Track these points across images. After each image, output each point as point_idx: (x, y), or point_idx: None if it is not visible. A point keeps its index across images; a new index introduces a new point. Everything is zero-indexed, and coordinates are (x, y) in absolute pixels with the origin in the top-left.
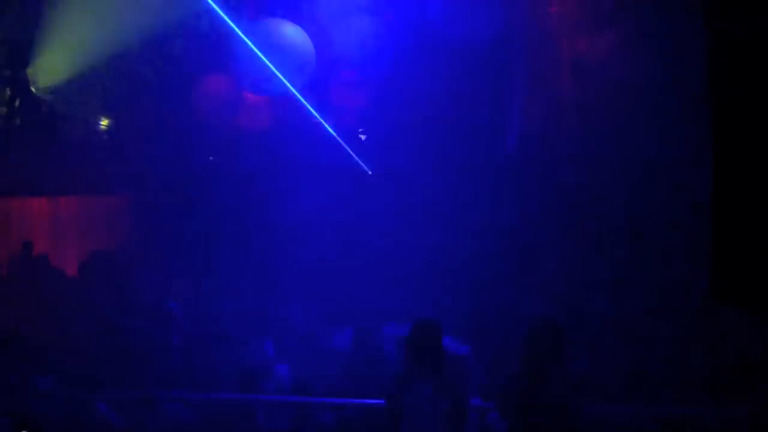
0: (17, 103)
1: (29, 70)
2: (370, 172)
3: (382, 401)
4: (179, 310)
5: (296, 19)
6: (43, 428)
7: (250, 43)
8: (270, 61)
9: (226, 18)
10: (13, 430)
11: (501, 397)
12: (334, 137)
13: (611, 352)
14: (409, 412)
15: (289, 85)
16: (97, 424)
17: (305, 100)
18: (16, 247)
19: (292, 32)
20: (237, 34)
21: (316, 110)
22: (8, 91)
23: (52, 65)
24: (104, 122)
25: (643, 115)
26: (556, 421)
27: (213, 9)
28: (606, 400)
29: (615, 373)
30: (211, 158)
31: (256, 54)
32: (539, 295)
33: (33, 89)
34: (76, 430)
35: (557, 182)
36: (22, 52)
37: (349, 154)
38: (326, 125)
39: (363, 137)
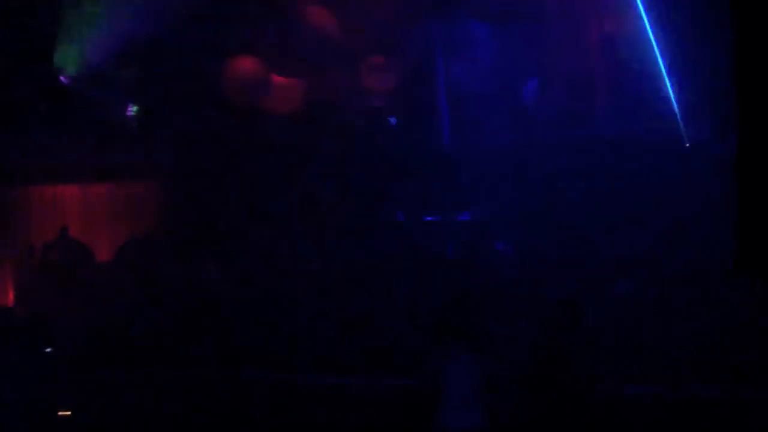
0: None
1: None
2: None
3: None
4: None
5: None
6: None
7: None
8: None
9: None
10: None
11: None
12: None
13: (635, 333)
14: (450, 387)
15: None
16: None
17: None
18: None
19: None
20: None
21: None
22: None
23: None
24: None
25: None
26: (569, 399)
27: None
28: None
29: (638, 353)
30: None
31: None
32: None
33: (62, 77)
34: None
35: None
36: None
37: None
38: None
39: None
